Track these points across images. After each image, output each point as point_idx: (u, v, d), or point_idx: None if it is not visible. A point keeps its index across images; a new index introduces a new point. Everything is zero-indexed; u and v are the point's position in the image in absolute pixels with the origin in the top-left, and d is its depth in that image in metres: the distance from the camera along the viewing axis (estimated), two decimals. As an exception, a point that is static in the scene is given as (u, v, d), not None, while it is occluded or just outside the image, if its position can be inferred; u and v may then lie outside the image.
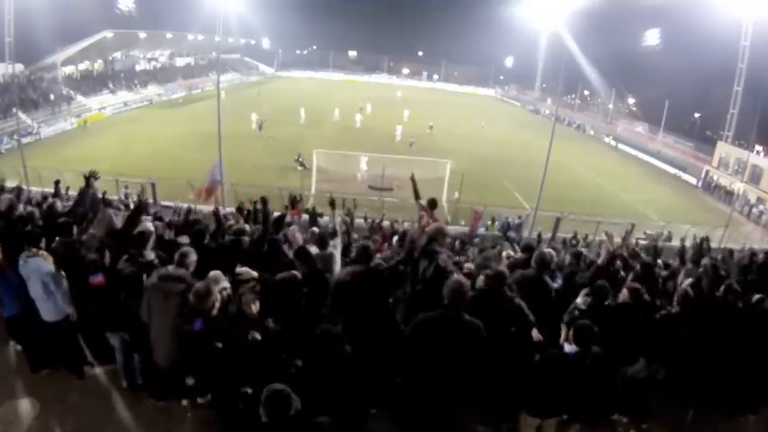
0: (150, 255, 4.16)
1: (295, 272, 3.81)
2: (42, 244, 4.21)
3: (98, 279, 3.94)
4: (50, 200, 6.72)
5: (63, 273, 4.12)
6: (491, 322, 3.19)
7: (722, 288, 4.41)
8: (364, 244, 3.99)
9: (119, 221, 4.83)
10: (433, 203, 5.85)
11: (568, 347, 3.21)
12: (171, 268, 3.71)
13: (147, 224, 4.75)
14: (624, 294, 4.01)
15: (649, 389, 3.99)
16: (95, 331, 4.34)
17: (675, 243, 15.04)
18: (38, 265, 3.99)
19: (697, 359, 3.98)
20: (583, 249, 7.92)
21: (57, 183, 8.54)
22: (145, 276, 3.78)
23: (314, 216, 12.88)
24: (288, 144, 26.20)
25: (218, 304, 3.25)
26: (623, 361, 3.90)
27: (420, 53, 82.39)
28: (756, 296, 4.43)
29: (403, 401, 3.43)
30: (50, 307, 4.06)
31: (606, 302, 4.03)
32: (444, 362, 3.08)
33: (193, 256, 3.81)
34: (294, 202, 8.59)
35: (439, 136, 32.86)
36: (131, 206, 10.26)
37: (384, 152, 22.87)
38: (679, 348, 3.91)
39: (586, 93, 57.11)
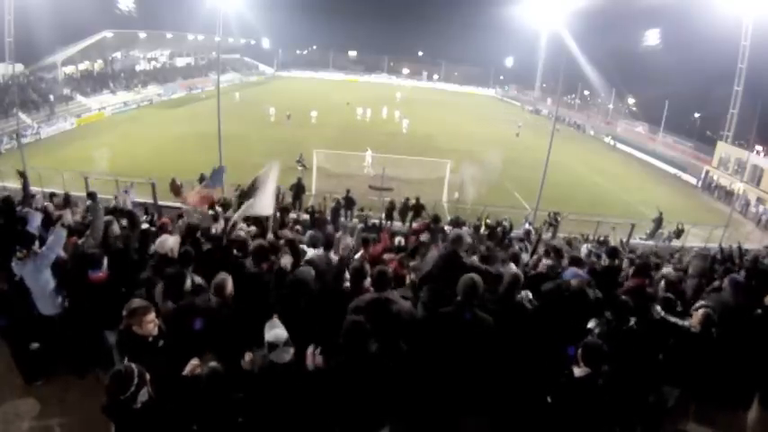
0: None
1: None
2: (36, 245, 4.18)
3: (98, 275, 3.93)
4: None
5: (56, 279, 4.11)
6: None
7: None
8: (381, 269, 3.46)
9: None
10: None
11: (578, 370, 3.00)
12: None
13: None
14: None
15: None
16: (94, 331, 4.31)
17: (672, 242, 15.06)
18: (29, 271, 4.00)
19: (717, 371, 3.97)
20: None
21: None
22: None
23: (313, 215, 12.88)
24: (288, 144, 26.16)
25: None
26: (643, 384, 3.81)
27: (420, 53, 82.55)
28: None
29: (411, 395, 3.37)
30: (44, 303, 4.11)
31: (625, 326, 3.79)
32: (456, 355, 3.19)
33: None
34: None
35: (439, 136, 32.94)
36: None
37: (386, 151, 22.88)
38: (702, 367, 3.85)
39: (586, 93, 57.11)
